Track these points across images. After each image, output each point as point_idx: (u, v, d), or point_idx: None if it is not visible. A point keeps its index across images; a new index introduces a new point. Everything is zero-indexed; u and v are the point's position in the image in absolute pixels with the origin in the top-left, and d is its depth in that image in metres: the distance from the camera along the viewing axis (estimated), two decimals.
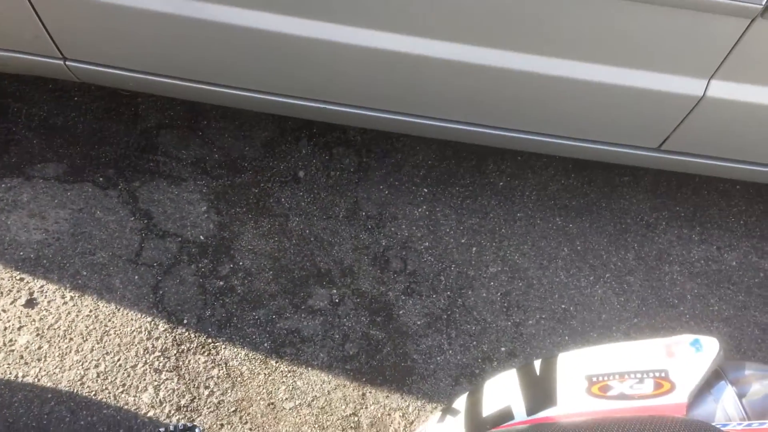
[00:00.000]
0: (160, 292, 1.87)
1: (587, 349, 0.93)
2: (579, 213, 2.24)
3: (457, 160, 2.30)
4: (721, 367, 0.87)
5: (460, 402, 1.00)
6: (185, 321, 1.84)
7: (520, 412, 0.88)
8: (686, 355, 0.85)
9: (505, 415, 0.89)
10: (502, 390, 0.93)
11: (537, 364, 0.94)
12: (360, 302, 1.95)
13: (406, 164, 2.27)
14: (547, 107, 1.77)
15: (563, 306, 2.03)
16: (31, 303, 1.80)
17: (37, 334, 1.75)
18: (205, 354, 1.80)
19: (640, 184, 2.34)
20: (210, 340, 1.82)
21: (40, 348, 1.73)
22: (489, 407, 0.93)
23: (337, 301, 1.94)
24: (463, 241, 2.12)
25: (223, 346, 1.82)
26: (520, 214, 2.21)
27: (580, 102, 1.73)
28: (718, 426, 0.78)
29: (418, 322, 1.94)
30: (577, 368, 0.89)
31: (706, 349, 0.85)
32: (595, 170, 2.35)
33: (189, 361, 1.78)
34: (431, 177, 2.25)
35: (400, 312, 1.95)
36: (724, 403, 0.84)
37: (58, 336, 1.76)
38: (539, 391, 0.89)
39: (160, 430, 1.12)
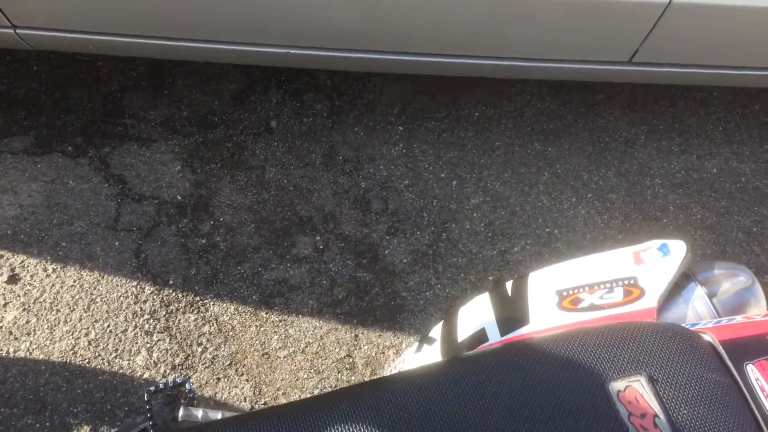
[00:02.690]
0: (143, 256, 1.86)
1: (557, 265, 0.93)
2: (557, 136, 2.22)
3: (430, 94, 2.27)
4: (690, 268, 0.87)
5: (436, 330, 1.00)
6: (171, 282, 1.84)
7: (494, 334, 0.89)
8: (654, 261, 0.85)
9: (480, 338, 0.90)
10: (476, 314, 0.93)
11: (508, 285, 0.94)
12: (344, 246, 1.95)
13: (379, 104, 2.23)
14: (516, 29, 1.73)
15: (547, 230, 2.03)
16: (13, 279, 1.79)
17: (24, 309, 1.75)
18: (195, 312, 1.80)
19: (616, 101, 2.32)
20: (198, 298, 1.82)
21: (28, 322, 1.73)
22: (464, 332, 0.93)
23: (321, 247, 1.94)
24: (442, 175, 2.10)
25: (212, 303, 1.82)
26: (498, 143, 2.19)
27: (548, 20, 1.69)
28: (687, 326, 0.78)
29: (405, 260, 1.94)
30: (547, 285, 0.89)
31: (674, 252, 0.85)
32: (570, 92, 2.32)
33: (179, 320, 1.78)
34: (405, 114, 2.22)
35: (386, 252, 1.95)
36: (695, 304, 0.85)
37: (45, 308, 1.76)
38: (511, 312, 0.89)
39: (151, 389, 1.12)
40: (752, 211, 2.11)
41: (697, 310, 0.84)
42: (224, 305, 1.82)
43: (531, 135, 2.21)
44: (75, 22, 1.70)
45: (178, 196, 1.98)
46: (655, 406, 0.66)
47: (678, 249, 0.85)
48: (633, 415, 0.65)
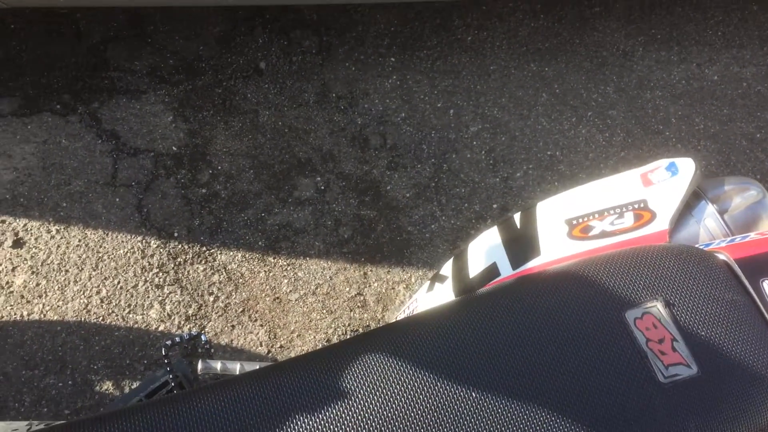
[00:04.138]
0: (145, 210, 1.85)
1: (564, 193, 0.91)
2: (553, 54, 2.17)
3: (420, 21, 2.20)
4: (700, 186, 0.86)
5: (447, 268, 1.00)
6: (176, 234, 1.83)
7: (505, 268, 0.88)
8: (663, 181, 0.83)
9: (492, 273, 0.89)
10: (486, 249, 0.93)
11: (517, 217, 0.93)
12: (346, 185, 1.93)
13: (369, 35, 2.17)
14: None
15: (549, 153, 2.01)
16: (18, 243, 1.79)
17: (33, 272, 1.75)
18: (203, 262, 1.80)
19: (612, 12, 2.25)
20: (204, 248, 1.82)
21: (38, 285, 1.74)
22: (475, 268, 0.92)
23: (322, 188, 1.93)
24: (439, 105, 2.07)
25: (219, 252, 1.82)
26: (494, 67, 2.14)
27: None
28: (700, 246, 0.78)
29: (407, 195, 1.93)
30: (556, 214, 0.88)
31: (682, 171, 0.83)
32: (564, 6, 2.25)
33: (188, 271, 1.79)
34: (396, 44, 2.16)
35: (388, 187, 1.94)
36: (706, 222, 0.84)
37: (54, 270, 1.76)
38: (522, 244, 0.88)
39: (167, 342, 1.13)
40: (755, 117, 2.08)
41: (709, 229, 0.83)
42: (231, 253, 1.82)
43: (527, 56, 2.16)
44: None
45: (174, 147, 1.95)
46: (673, 330, 0.66)
47: (687, 167, 0.83)
48: (651, 341, 0.66)
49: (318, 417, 0.63)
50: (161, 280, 1.77)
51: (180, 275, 1.78)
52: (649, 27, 2.23)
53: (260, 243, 1.84)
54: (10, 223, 1.81)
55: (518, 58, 2.15)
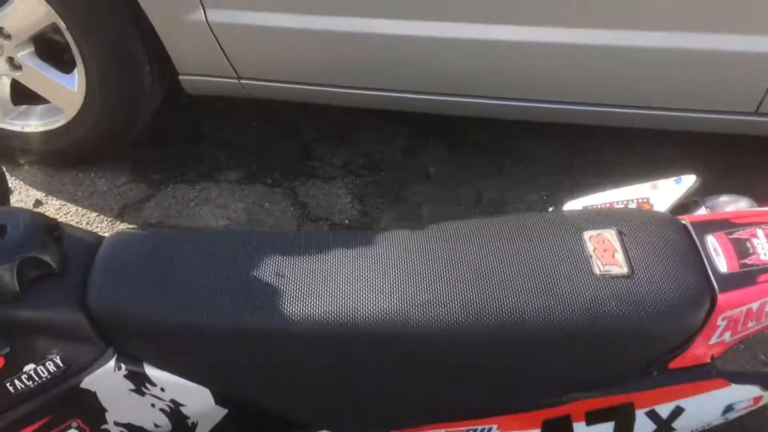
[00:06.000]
0: None
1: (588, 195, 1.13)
2: None
3: (575, 148, 2.50)
4: (701, 199, 1.03)
5: None
6: None
7: None
8: (668, 186, 1.03)
9: None
10: None
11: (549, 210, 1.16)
12: None
13: (524, 158, 2.51)
14: (638, 79, 1.95)
15: None
16: None
17: None
18: None
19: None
20: None
21: None
22: None
23: None
24: None
25: None
26: None
27: (669, 71, 1.89)
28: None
29: None
30: (576, 205, 1.10)
31: (686, 181, 1.02)
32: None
33: None
34: (550, 166, 2.47)
35: None
36: None
37: None
38: None
39: None
40: None
41: None
42: None
43: None
44: (286, 73, 2.21)
45: (346, 221, 2.38)
46: (618, 246, 0.85)
47: (689, 179, 1.02)
48: (597, 249, 0.85)
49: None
50: None
51: None
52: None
53: None
54: None
55: None
